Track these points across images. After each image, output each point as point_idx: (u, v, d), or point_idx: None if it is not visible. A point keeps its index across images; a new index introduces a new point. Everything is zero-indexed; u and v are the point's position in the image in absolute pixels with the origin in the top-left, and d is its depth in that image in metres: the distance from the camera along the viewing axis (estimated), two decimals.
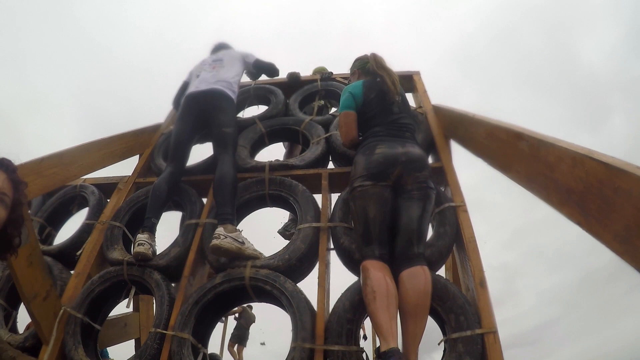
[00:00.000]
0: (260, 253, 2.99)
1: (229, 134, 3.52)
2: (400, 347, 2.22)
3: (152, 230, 3.19)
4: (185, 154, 3.69)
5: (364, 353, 2.45)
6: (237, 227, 3.03)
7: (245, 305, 10.56)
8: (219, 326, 10.02)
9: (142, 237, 3.08)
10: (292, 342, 2.49)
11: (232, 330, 10.76)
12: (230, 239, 2.81)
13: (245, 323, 10.89)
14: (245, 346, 10.81)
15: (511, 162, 2.39)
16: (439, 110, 3.85)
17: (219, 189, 3.17)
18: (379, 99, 3.04)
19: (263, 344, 11.10)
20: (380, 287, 2.32)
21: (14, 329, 3.48)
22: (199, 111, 3.66)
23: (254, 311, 10.92)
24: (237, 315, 10.77)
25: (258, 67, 4.31)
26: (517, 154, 2.26)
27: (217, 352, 9.50)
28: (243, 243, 2.90)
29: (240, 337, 10.74)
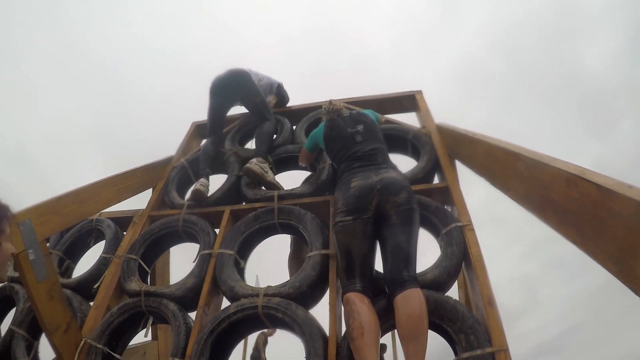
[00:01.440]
0: (279, 184, 3.78)
1: (260, 102, 4.39)
2: None
3: (207, 177, 3.98)
4: (221, 125, 4.57)
5: None
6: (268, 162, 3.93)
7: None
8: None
9: (201, 180, 3.87)
10: None
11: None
12: (259, 166, 3.68)
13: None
14: None
15: (510, 182, 2.45)
16: (442, 130, 3.91)
17: (259, 136, 4.15)
18: (339, 134, 3.27)
19: None
20: (369, 323, 2.37)
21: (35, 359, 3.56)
22: (225, 90, 4.40)
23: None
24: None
25: (279, 92, 4.96)
26: (516, 174, 2.31)
27: None
28: (267, 172, 3.72)
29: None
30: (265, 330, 10.69)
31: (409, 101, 4.75)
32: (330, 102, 3.54)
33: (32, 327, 3.51)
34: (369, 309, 2.45)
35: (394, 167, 3.04)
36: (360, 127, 3.24)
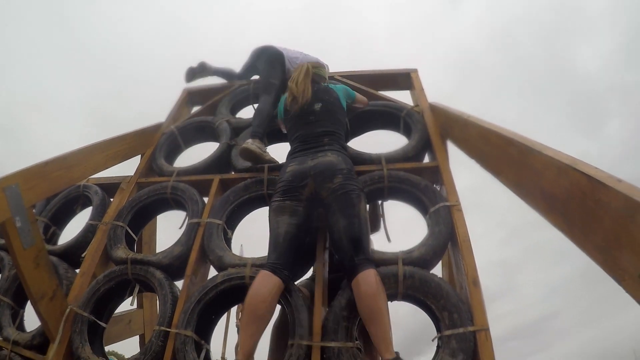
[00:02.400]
0: (275, 160, 3.53)
1: (271, 83, 4.06)
2: None
3: (262, 139, 3.64)
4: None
5: (360, 350, 2.51)
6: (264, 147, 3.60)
7: None
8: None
9: (249, 141, 3.51)
10: (289, 340, 2.55)
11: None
12: (256, 146, 3.42)
13: None
14: None
15: (502, 167, 2.46)
16: (435, 109, 3.88)
17: (257, 115, 3.83)
18: (294, 111, 3.21)
19: None
20: (249, 302, 2.46)
21: (21, 327, 3.53)
22: (268, 63, 4.26)
23: None
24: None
25: None
26: (508, 159, 2.33)
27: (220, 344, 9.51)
28: (265, 152, 3.51)
29: None
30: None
31: (403, 79, 4.69)
32: (296, 69, 3.50)
33: (17, 295, 3.50)
34: (263, 291, 2.48)
35: (337, 150, 2.96)
36: (317, 106, 3.17)
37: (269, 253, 2.72)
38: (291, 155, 3.06)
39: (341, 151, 2.99)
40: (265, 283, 2.51)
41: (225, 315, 10.46)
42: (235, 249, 3.26)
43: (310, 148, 2.97)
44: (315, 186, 2.75)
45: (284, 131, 3.46)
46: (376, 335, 2.36)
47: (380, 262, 2.74)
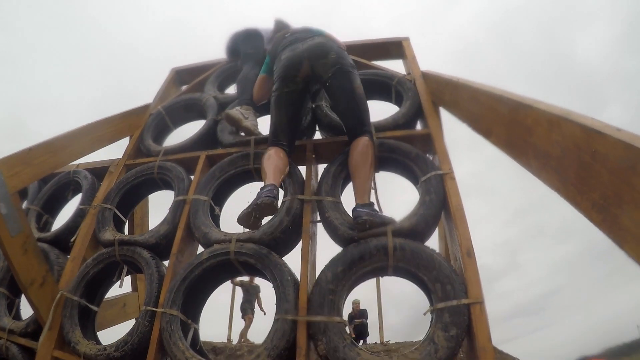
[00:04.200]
0: (257, 130, 3.55)
1: (249, 54, 4.17)
2: None
3: (249, 104, 3.66)
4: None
5: (346, 326, 2.45)
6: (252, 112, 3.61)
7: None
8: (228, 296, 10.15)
9: (237, 107, 3.57)
10: (275, 314, 2.50)
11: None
12: (239, 112, 3.48)
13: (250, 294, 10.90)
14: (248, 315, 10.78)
15: (492, 126, 2.36)
16: (427, 77, 3.77)
17: (239, 83, 3.91)
18: (278, 36, 3.52)
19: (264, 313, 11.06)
20: (271, 155, 2.90)
21: (17, 317, 3.54)
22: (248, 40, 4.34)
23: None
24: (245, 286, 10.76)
25: None
26: (498, 118, 2.24)
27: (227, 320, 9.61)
28: (247, 118, 3.51)
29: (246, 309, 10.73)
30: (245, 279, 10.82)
31: (395, 48, 4.56)
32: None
33: (12, 285, 3.50)
34: (278, 155, 2.93)
35: (324, 35, 3.25)
36: (293, 30, 3.49)
37: (273, 134, 3.11)
38: (282, 49, 3.24)
39: (328, 36, 3.27)
40: (278, 151, 2.97)
41: (230, 298, 10.58)
42: (224, 225, 3.18)
43: (297, 39, 3.21)
44: (310, 65, 3.02)
45: (260, 97, 3.64)
46: (357, 185, 2.75)
47: None
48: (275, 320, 2.47)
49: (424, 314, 2.48)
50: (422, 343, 2.31)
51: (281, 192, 2.88)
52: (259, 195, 2.56)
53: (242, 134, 3.65)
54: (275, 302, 2.58)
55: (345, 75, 3.00)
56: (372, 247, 2.53)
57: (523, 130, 1.91)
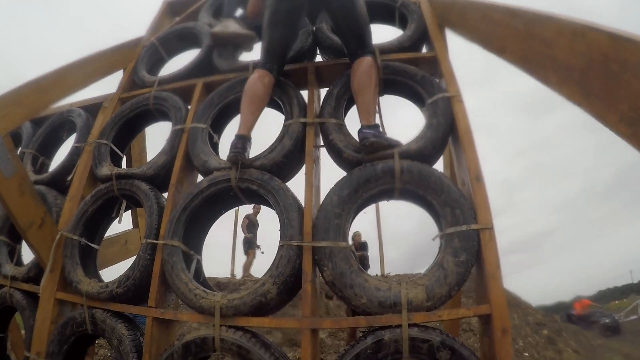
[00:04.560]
0: (245, 31, 3.43)
1: None
2: None
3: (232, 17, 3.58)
4: None
5: (353, 251, 2.38)
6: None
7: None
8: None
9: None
10: (280, 241, 2.44)
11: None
12: (220, 25, 3.43)
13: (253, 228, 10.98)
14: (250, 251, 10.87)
15: (506, 43, 2.27)
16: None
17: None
18: None
19: (262, 252, 11.16)
20: (250, 89, 2.80)
21: (19, 263, 3.52)
22: None
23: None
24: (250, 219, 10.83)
25: None
26: (512, 34, 2.15)
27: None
28: (228, 27, 3.42)
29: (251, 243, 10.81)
30: (249, 214, 10.87)
31: None
32: None
33: (12, 232, 3.48)
34: (260, 79, 2.83)
35: None
36: None
37: (263, 55, 2.98)
38: None
39: None
40: (263, 76, 2.85)
41: (232, 234, 10.65)
42: (223, 153, 3.06)
43: None
44: None
45: (253, 14, 3.40)
46: (361, 106, 2.69)
47: None
48: (280, 247, 2.40)
49: (433, 239, 2.44)
50: (431, 269, 2.27)
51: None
52: (230, 147, 2.64)
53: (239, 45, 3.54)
54: (278, 229, 2.51)
55: None
56: (379, 170, 2.45)
57: (541, 43, 1.82)
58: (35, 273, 3.12)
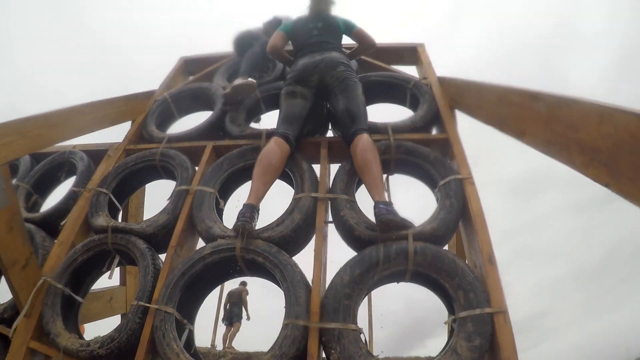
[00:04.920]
0: (248, 80, 3.76)
1: (252, 44, 4.26)
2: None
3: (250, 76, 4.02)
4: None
5: (362, 334, 2.29)
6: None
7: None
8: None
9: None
10: (284, 319, 2.32)
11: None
12: (239, 80, 3.71)
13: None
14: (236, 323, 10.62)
15: (526, 126, 2.26)
16: (444, 81, 3.72)
17: (246, 58, 4.07)
18: (302, 28, 3.69)
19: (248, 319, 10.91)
20: (265, 157, 2.87)
21: None
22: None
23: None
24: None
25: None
26: (533, 117, 2.14)
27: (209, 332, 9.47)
28: (233, 82, 3.77)
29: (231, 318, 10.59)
30: (240, 286, 10.67)
31: (409, 53, 4.56)
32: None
33: None
34: (277, 147, 2.94)
35: (339, 51, 3.53)
36: (320, 24, 3.66)
37: (280, 125, 3.17)
38: (300, 55, 3.54)
39: (340, 51, 3.55)
40: (279, 144, 2.97)
41: (216, 302, 10.40)
42: (227, 221, 3.00)
43: (317, 50, 3.46)
44: (322, 74, 3.27)
45: (274, 54, 3.76)
46: (369, 183, 2.72)
47: (369, 129, 3.09)
48: (285, 325, 2.29)
49: (445, 322, 2.40)
50: (444, 354, 2.17)
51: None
52: (238, 216, 2.65)
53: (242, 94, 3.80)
54: (284, 305, 2.41)
55: (349, 84, 3.24)
56: (393, 251, 2.41)
57: (566, 126, 1.82)
58: (11, 315, 2.93)
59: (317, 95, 3.33)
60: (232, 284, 10.58)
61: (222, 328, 10.36)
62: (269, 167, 2.84)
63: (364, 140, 2.88)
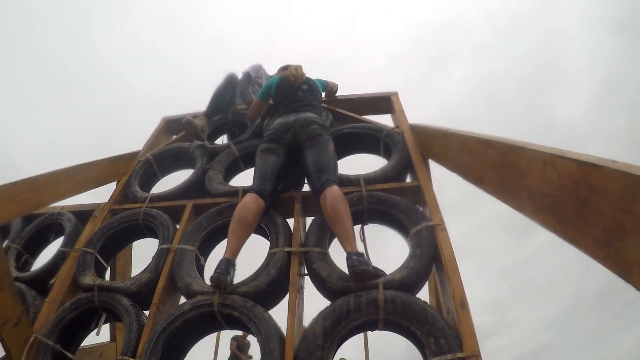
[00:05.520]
0: (201, 133, 4.25)
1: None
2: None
3: (210, 118, 4.48)
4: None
5: None
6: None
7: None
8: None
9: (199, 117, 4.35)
10: None
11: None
12: (199, 121, 4.24)
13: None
14: None
15: (483, 173, 2.34)
16: (415, 129, 3.83)
17: (213, 99, 4.52)
18: (287, 88, 3.85)
19: None
20: (238, 213, 2.96)
21: None
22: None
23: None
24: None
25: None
26: (488, 164, 2.22)
27: None
28: (204, 130, 4.31)
29: None
30: (238, 335, 10.61)
31: (384, 102, 4.69)
32: (297, 68, 4.04)
33: None
34: (250, 202, 3.03)
35: (314, 112, 3.69)
36: (304, 87, 3.89)
37: (255, 181, 3.27)
38: (277, 114, 3.71)
39: (317, 113, 3.72)
40: (254, 200, 3.05)
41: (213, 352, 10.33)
42: (208, 277, 3.10)
43: (294, 110, 3.64)
44: (295, 132, 3.42)
45: (253, 118, 4.23)
46: (340, 234, 2.77)
47: (342, 182, 3.28)
48: None
49: None
50: None
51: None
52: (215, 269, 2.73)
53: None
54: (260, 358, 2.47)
55: (321, 140, 3.36)
56: (363, 301, 2.46)
57: (516, 172, 1.88)
58: None
59: (290, 152, 3.43)
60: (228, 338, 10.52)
61: None
62: (242, 222, 2.91)
63: (333, 191, 2.94)
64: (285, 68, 4.33)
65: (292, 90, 3.83)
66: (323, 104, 4.52)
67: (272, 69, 4.75)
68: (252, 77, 4.81)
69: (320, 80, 4.29)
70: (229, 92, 4.66)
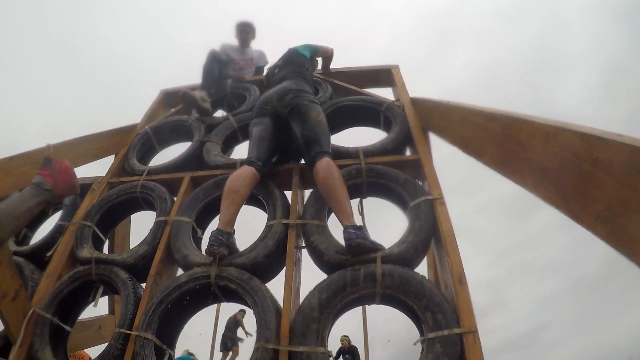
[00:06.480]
0: (206, 104, 4.32)
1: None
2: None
3: (208, 91, 4.51)
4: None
5: (331, 357, 2.33)
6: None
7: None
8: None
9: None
10: (255, 343, 2.39)
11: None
12: (198, 94, 4.28)
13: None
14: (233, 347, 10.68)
15: (485, 146, 2.29)
16: (416, 102, 3.77)
17: (204, 74, 4.66)
18: (271, 73, 4.04)
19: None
20: (227, 183, 2.93)
21: None
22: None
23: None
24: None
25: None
26: (490, 137, 2.18)
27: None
28: (205, 101, 4.34)
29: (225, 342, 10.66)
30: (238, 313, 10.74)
31: (385, 75, 4.61)
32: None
33: None
34: (242, 174, 2.99)
35: (292, 77, 3.65)
36: (280, 62, 4.00)
37: (249, 152, 3.25)
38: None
39: (296, 78, 3.64)
40: (245, 170, 3.01)
41: (212, 332, 10.43)
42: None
43: (273, 84, 3.70)
44: (274, 106, 3.32)
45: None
46: (335, 208, 2.75)
47: (341, 154, 3.34)
48: (256, 349, 2.35)
49: (414, 344, 2.36)
50: None
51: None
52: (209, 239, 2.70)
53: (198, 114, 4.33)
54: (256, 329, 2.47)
55: (302, 108, 3.24)
56: (361, 275, 2.43)
57: (517, 146, 1.84)
58: (3, 345, 2.97)
59: (278, 124, 3.35)
60: (228, 312, 10.66)
61: (218, 353, 10.42)
62: (229, 191, 2.89)
63: (323, 165, 2.89)
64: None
65: (273, 71, 3.98)
66: (322, 76, 4.50)
67: (275, 53, 4.67)
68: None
69: (308, 45, 4.22)
70: (215, 65, 4.78)
